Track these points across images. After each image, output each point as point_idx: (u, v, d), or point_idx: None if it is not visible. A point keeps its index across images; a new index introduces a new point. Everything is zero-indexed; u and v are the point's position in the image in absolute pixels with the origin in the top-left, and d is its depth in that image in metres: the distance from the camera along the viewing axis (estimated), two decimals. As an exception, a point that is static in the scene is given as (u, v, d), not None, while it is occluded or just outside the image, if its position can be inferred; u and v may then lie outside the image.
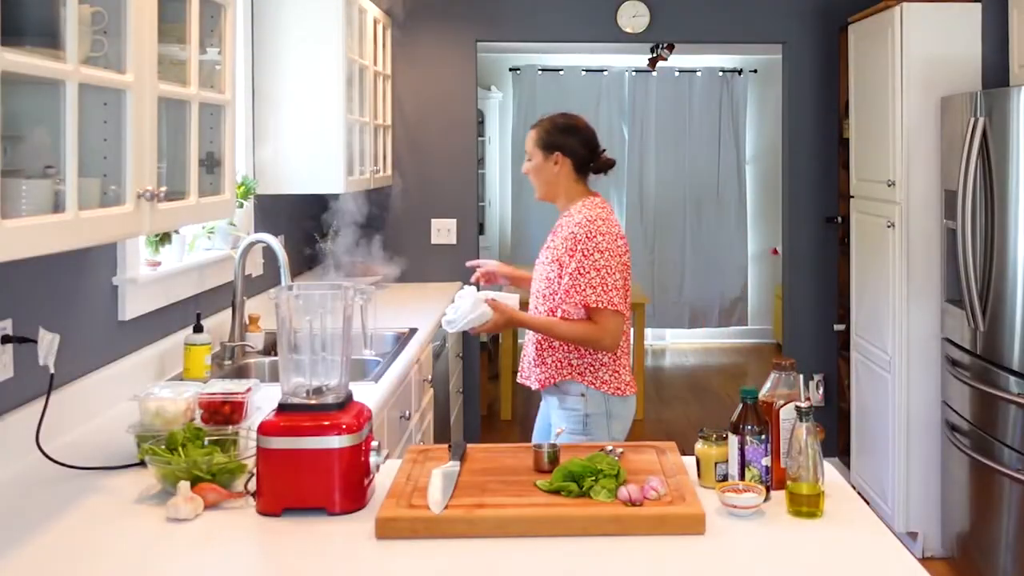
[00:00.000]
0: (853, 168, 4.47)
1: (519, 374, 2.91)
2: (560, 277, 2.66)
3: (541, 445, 1.90)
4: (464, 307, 2.61)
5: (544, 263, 2.75)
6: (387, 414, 2.76)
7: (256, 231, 3.66)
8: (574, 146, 2.77)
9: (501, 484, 1.81)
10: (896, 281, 3.94)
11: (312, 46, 3.71)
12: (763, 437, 1.80)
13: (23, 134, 1.72)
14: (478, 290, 2.79)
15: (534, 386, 2.77)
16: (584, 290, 2.61)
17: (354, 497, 1.75)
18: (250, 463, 1.85)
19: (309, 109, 3.71)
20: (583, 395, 2.70)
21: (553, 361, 2.74)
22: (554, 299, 2.69)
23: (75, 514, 1.77)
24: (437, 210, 4.98)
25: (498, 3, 4.91)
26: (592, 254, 2.63)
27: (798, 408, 1.78)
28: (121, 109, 1.85)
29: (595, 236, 2.64)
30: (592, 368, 2.71)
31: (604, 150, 2.81)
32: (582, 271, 2.62)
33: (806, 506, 1.74)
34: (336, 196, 4.29)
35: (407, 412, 3.07)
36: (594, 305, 2.61)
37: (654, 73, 8.11)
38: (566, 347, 2.70)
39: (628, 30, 4.92)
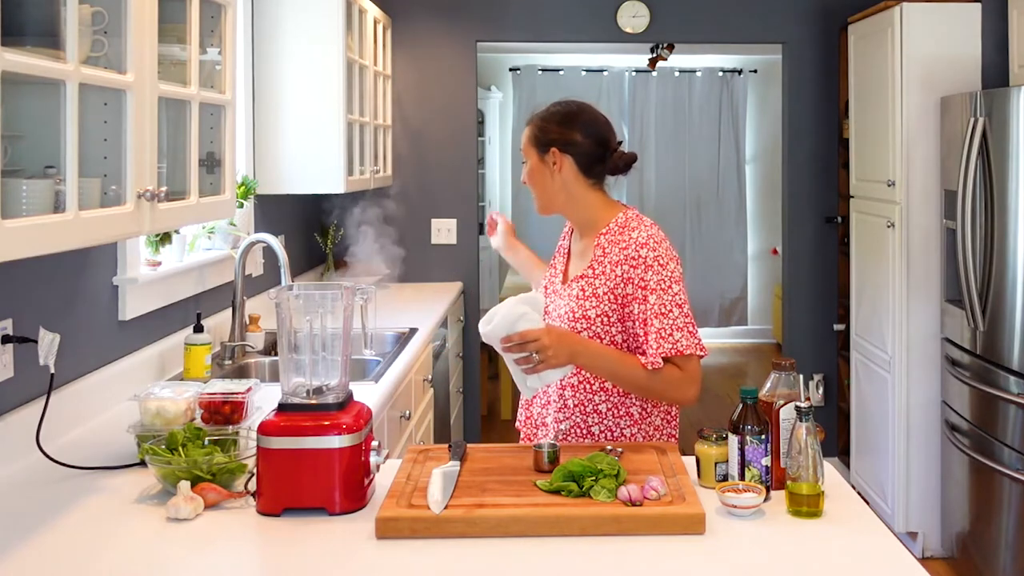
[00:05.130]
0: (853, 168, 4.47)
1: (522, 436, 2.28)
2: (617, 314, 2.10)
3: (541, 445, 1.90)
4: (505, 311, 1.98)
5: (581, 294, 2.13)
6: (387, 414, 2.76)
7: (256, 231, 3.66)
8: (574, 139, 2.16)
9: (501, 484, 1.81)
10: (896, 281, 3.95)
11: (312, 46, 3.71)
12: (763, 437, 1.80)
13: (23, 134, 1.72)
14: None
15: (563, 425, 2.16)
16: (672, 334, 2.03)
17: (354, 497, 1.75)
18: (250, 463, 1.85)
19: (309, 109, 3.72)
20: None
21: (601, 430, 2.14)
22: (601, 342, 2.10)
23: (75, 514, 1.77)
24: (437, 210, 4.98)
25: (498, 3, 4.91)
26: (671, 286, 2.06)
27: (798, 408, 1.78)
28: (121, 109, 1.85)
29: (667, 262, 2.08)
30: (647, 437, 2.15)
31: (621, 143, 2.23)
32: (664, 309, 2.04)
33: (806, 506, 1.74)
34: (336, 196, 4.29)
35: (407, 412, 3.07)
36: (687, 352, 2.03)
37: (654, 73, 8.12)
38: (616, 407, 2.13)
39: (628, 30, 4.92)
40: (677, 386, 2.06)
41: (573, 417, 2.15)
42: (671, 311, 2.05)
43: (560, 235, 2.39)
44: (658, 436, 2.17)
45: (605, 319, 2.09)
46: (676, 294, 2.07)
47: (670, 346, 2.03)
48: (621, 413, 2.14)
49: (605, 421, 2.14)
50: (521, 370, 2.01)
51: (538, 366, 1.98)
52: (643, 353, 2.07)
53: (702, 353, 2.07)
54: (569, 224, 2.34)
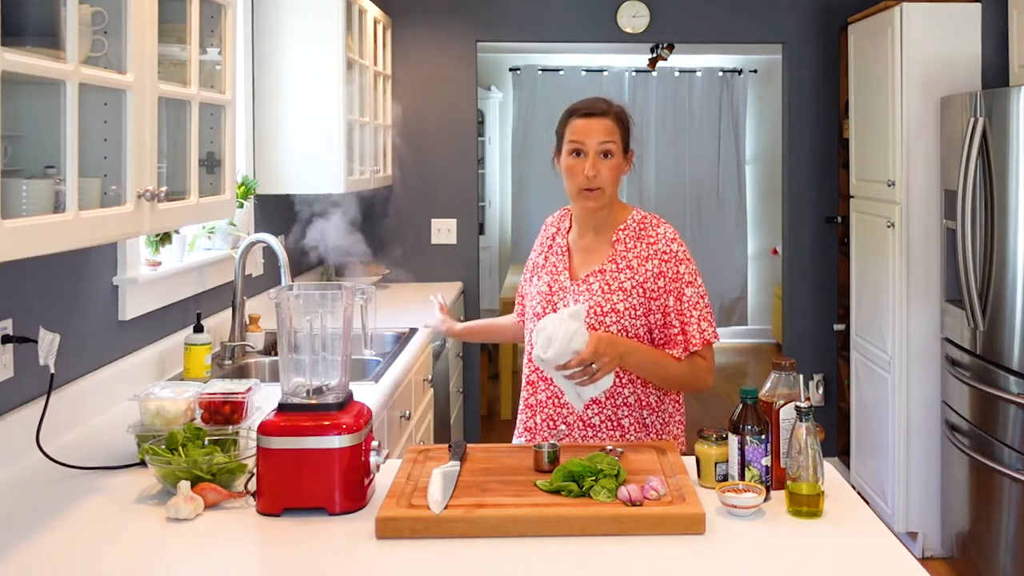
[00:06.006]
0: (853, 168, 4.47)
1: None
2: (644, 307, 2.14)
3: (541, 445, 1.90)
4: (561, 333, 1.95)
5: (605, 288, 2.16)
6: (387, 414, 2.76)
7: (256, 231, 3.66)
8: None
9: (501, 484, 1.81)
10: (896, 281, 3.95)
11: (312, 46, 3.71)
12: (763, 437, 1.80)
13: (23, 134, 1.72)
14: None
15: (561, 427, 2.18)
16: (700, 323, 2.13)
17: (354, 497, 1.75)
18: (250, 463, 1.85)
19: (309, 109, 3.71)
20: None
21: (631, 422, 2.18)
22: (627, 335, 2.14)
23: (75, 514, 1.77)
24: (437, 210, 4.98)
25: (498, 3, 4.91)
26: (696, 278, 2.17)
27: (798, 408, 1.78)
28: (121, 109, 1.85)
29: (690, 256, 2.19)
30: (664, 424, 2.21)
31: None
32: (696, 302, 2.14)
33: (806, 506, 1.74)
34: (336, 196, 4.29)
35: (407, 412, 3.07)
36: (711, 340, 2.14)
37: (654, 73, 8.12)
38: (640, 398, 2.18)
39: (628, 30, 4.92)
40: (702, 375, 2.16)
41: (604, 411, 2.18)
42: (698, 303, 2.15)
43: (539, 235, 2.42)
44: (672, 424, 2.24)
45: (632, 312, 2.14)
46: (700, 286, 2.17)
47: (699, 336, 2.13)
48: (644, 404, 2.20)
49: (633, 413, 2.19)
50: (576, 384, 2.01)
51: (596, 375, 1.99)
52: (670, 344, 2.15)
53: (716, 339, 2.16)
54: (553, 222, 2.36)
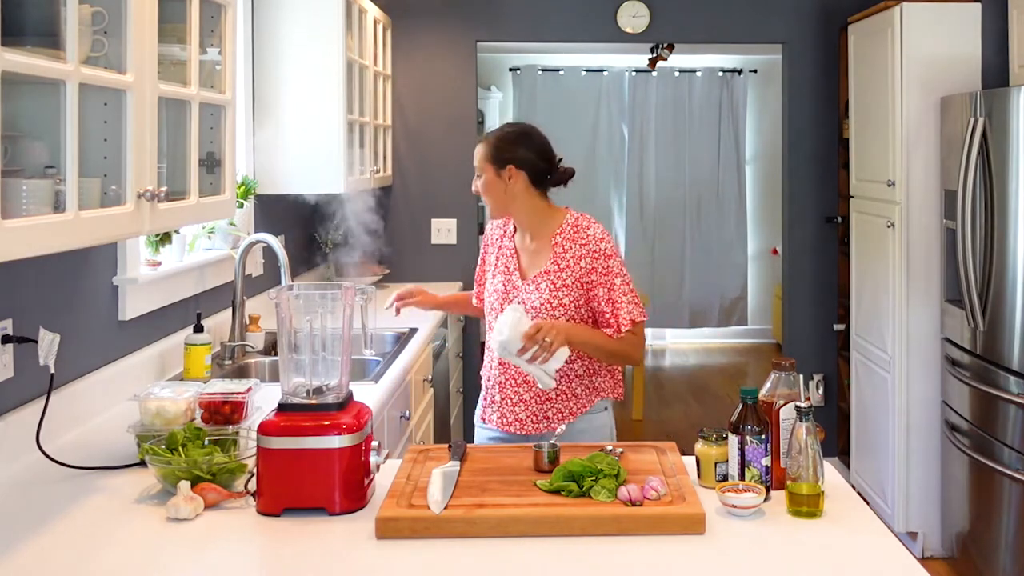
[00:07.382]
0: (853, 168, 4.48)
1: (503, 422, 2.50)
2: (584, 297, 2.45)
3: (541, 445, 1.90)
4: (509, 319, 2.28)
5: (552, 287, 2.46)
6: (387, 414, 2.76)
7: (256, 231, 3.66)
8: (527, 158, 2.49)
9: (501, 484, 1.81)
10: (896, 281, 3.95)
11: (312, 46, 3.71)
12: (763, 437, 1.80)
13: (23, 134, 1.72)
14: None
15: (560, 428, 2.31)
16: (629, 306, 2.44)
17: (354, 497, 1.75)
18: (250, 463, 1.85)
19: (309, 109, 3.71)
20: (607, 409, 2.55)
21: (583, 390, 2.51)
22: (574, 322, 2.45)
23: (75, 514, 1.77)
24: (437, 210, 4.99)
25: (498, 3, 4.91)
26: (622, 269, 2.48)
27: (798, 408, 1.78)
28: (121, 109, 1.85)
29: (616, 251, 2.51)
30: (612, 378, 2.55)
31: (561, 159, 2.58)
32: (625, 287, 2.46)
33: (806, 506, 1.74)
34: (336, 196, 4.29)
35: (407, 412, 3.07)
36: (639, 319, 2.44)
37: (654, 73, 8.12)
38: (588, 367, 2.50)
39: (628, 30, 4.92)
40: (634, 350, 2.47)
41: (560, 386, 2.47)
42: (626, 291, 2.47)
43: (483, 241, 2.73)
44: (615, 381, 2.54)
45: (576, 304, 2.46)
46: (626, 275, 2.49)
47: (628, 318, 2.44)
48: (592, 371, 2.50)
49: (583, 381, 2.49)
50: (538, 362, 2.28)
51: (551, 346, 2.26)
52: (607, 325, 2.46)
53: (644, 317, 2.48)
54: (499, 226, 2.66)
